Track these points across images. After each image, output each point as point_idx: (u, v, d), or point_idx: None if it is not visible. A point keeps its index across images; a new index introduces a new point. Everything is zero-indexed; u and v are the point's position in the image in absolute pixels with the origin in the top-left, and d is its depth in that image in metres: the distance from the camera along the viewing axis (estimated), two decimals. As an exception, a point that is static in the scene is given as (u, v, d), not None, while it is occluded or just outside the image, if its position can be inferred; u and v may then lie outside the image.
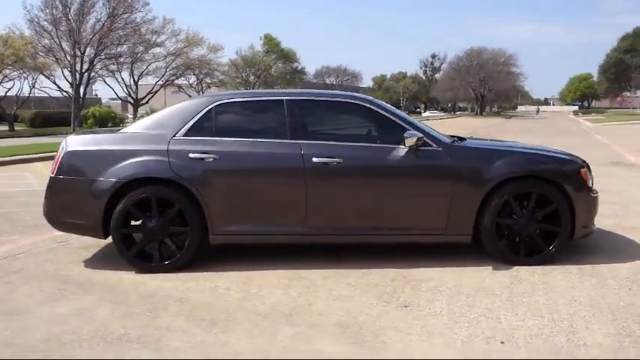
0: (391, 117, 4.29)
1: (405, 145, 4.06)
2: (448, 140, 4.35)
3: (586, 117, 49.39)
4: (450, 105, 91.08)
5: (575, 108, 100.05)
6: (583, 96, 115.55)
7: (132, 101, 49.26)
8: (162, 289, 3.75)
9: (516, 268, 4.11)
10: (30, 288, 3.80)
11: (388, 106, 4.53)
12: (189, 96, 60.48)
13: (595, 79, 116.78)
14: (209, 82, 62.93)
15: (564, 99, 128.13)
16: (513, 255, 4.16)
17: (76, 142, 4.27)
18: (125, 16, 40.71)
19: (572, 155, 4.57)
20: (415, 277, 3.95)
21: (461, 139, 4.61)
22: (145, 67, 49.38)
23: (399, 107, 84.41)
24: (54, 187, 4.18)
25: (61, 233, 5.31)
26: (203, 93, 63.90)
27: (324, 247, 4.54)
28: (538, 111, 75.27)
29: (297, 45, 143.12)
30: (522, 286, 3.73)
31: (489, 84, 62.25)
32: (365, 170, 4.16)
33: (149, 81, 53.28)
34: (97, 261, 4.46)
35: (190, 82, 61.81)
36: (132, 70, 48.96)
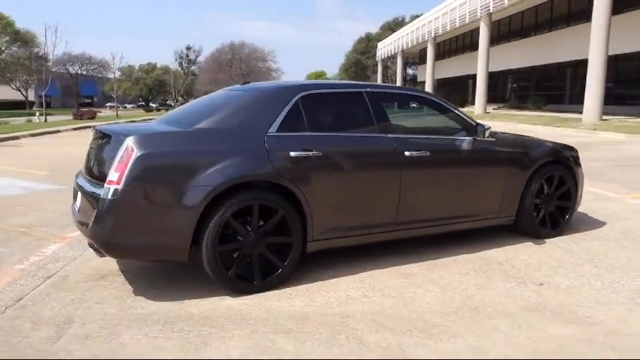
0: (453, 109, 4.47)
1: (481, 136, 4.30)
2: (491, 132, 4.73)
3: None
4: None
5: None
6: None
7: None
8: (302, 309, 3.24)
9: (548, 240, 4.76)
10: (133, 337, 2.85)
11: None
12: None
13: (328, 75, 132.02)
14: None
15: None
16: (544, 229, 4.80)
17: (148, 142, 3.27)
18: None
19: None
20: (496, 258, 4.24)
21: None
22: None
23: (165, 102, 78.52)
24: (122, 202, 3.14)
25: (26, 265, 4.05)
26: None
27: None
28: None
29: (36, 27, 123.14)
30: (582, 254, 4.34)
31: (251, 78, 64.52)
32: (446, 162, 4.26)
33: None
34: (151, 291, 3.52)
35: None
36: None
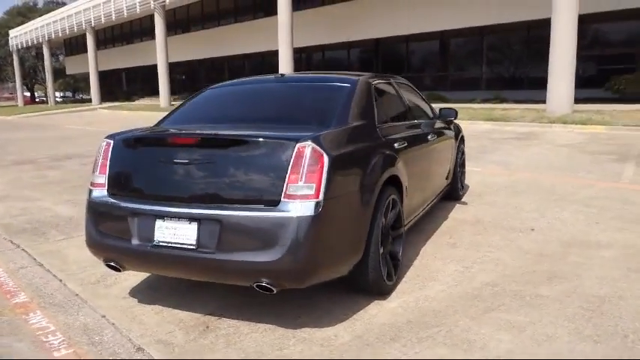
0: (420, 94, 4.99)
1: (450, 118, 5.00)
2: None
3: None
4: None
5: None
6: None
7: None
8: (457, 292, 3.36)
9: (463, 200, 5.85)
10: (400, 351, 2.52)
11: None
12: None
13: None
14: None
15: None
16: (459, 192, 5.86)
17: (328, 143, 2.70)
18: None
19: None
20: (469, 219, 5.05)
21: None
22: None
23: None
24: (324, 218, 2.58)
25: (70, 349, 2.92)
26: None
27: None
28: None
29: None
30: (504, 205, 5.53)
31: None
32: (438, 141, 4.74)
33: None
34: (292, 321, 2.97)
35: None
36: None
